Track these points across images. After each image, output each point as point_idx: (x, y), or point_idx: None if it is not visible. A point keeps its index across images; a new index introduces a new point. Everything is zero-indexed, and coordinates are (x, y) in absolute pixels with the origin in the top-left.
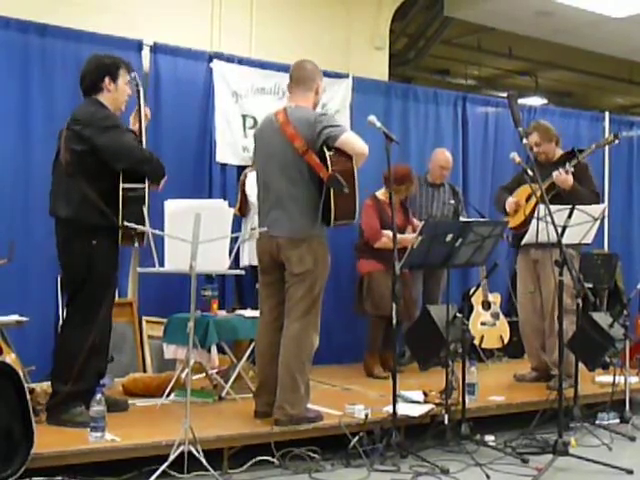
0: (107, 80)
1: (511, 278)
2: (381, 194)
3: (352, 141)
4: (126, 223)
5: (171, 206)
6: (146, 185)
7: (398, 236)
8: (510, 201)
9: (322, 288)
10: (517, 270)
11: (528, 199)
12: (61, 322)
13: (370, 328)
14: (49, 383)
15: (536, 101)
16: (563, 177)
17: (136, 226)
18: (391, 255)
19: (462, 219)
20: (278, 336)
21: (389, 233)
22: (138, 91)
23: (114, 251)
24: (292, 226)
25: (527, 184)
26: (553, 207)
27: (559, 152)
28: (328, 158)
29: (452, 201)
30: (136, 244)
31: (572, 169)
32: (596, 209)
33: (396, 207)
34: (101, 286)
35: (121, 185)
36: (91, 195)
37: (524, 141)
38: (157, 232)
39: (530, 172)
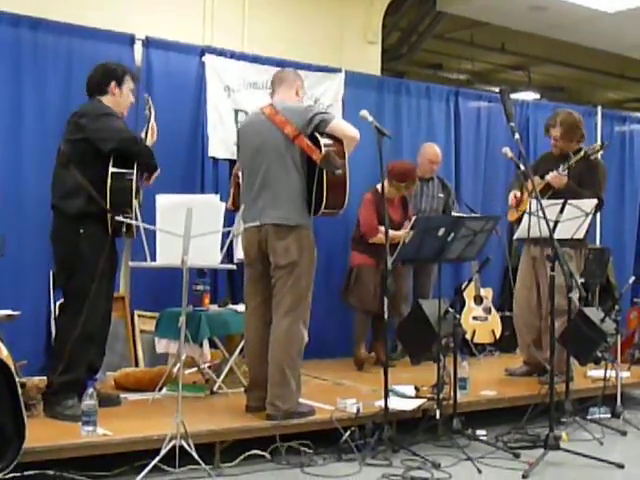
0: (113, 84)
1: (505, 271)
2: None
3: (343, 126)
4: (118, 218)
5: (163, 201)
6: (134, 171)
7: (393, 233)
8: (511, 195)
9: (310, 281)
10: (520, 264)
11: (530, 194)
12: (54, 317)
13: (355, 322)
14: (41, 377)
15: (529, 96)
16: (557, 178)
17: (126, 220)
18: (384, 251)
19: (453, 213)
20: (265, 332)
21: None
22: (150, 112)
23: (104, 240)
24: (280, 213)
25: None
26: (545, 202)
27: (577, 147)
28: (321, 141)
29: (441, 194)
30: (124, 230)
31: (565, 172)
32: (587, 204)
33: (396, 202)
34: (90, 275)
35: (110, 169)
36: (83, 182)
37: (516, 136)
38: (149, 226)
39: (522, 167)
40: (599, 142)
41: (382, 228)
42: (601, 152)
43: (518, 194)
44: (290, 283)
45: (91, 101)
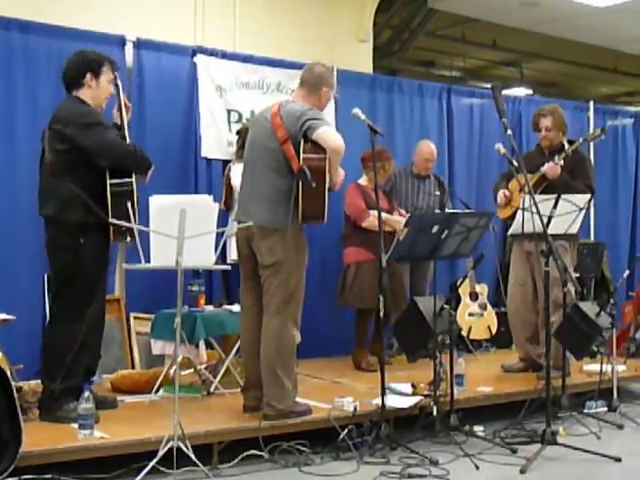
0: (89, 76)
1: (500, 268)
2: (363, 180)
3: (328, 136)
4: (112, 220)
5: (156, 202)
6: (133, 180)
7: (385, 216)
8: (500, 194)
9: (299, 280)
10: (511, 260)
11: (521, 190)
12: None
13: (357, 321)
14: (37, 381)
15: (521, 92)
16: (553, 168)
17: (123, 223)
18: (379, 242)
19: (448, 210)
20: (260, 331)
21: (375, 212)
22: (117, 85)
23: (103, 248)
24: (264, 215)
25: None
26: (539, 197)
27: (563, 141)
28: (302, 150)
29: (437, 192)
30: (128, 239)
31: (561, 162)
32: (581, 199)
33: (380, 194)
34: (90, 284)
35: (108, 181)
36: (78, 192)
37: (508, 132)
38: (143, 228)
39: (515, 163)
40: (593, 129)
41: (372, 212)
42: (602, 137)
43: (507, 193)
44: (277, 283)
45: (70, 100)
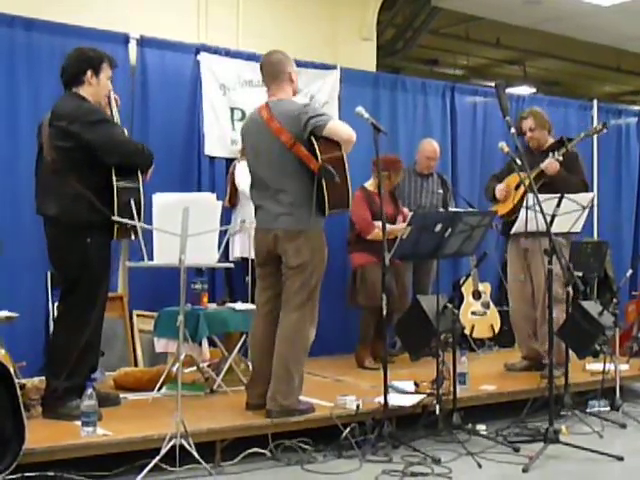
0: (89, 73)
1: (502, 267)
2: (369, 185)
3: (338, 129)
4: (117, 218)
5: (159, 200)
6: (140, 179)
7: (389, 227)
8: (500, 187)
9: (319, 280)
10: (507, 258)
11: (517, 187)
12: (52, 318)
13: (363, 320)
14: (40, 379)
15: (525, 90)
16: (553, 164)
17: (127, 221)
18: (382, 247)
19: (451, 209)
20: (272, 328)
21: (380, 224)
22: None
23: (108, 248)
24: (288, 219)
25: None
26: (542, 196)
27: (550, 140)
28: (317, 148)
29: (440, 191)
30: (133, 237)
31: (561, 158)
32: (585, 197)
33: (386, 197)
34: (96, 284)
35: (114, 179)
36: (82, 191)
37: (512, 130)
38: (146, 226)
39: (518, 161)
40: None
41: (377, 223)
42: (603, 131)
43: (503, 186)
44: (300, 282)
45: (70, 97)
